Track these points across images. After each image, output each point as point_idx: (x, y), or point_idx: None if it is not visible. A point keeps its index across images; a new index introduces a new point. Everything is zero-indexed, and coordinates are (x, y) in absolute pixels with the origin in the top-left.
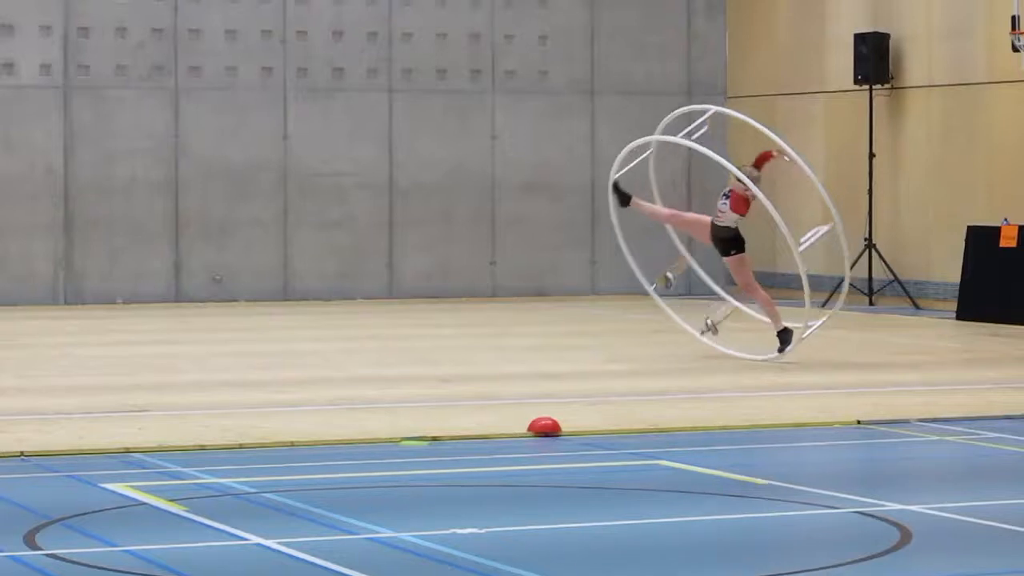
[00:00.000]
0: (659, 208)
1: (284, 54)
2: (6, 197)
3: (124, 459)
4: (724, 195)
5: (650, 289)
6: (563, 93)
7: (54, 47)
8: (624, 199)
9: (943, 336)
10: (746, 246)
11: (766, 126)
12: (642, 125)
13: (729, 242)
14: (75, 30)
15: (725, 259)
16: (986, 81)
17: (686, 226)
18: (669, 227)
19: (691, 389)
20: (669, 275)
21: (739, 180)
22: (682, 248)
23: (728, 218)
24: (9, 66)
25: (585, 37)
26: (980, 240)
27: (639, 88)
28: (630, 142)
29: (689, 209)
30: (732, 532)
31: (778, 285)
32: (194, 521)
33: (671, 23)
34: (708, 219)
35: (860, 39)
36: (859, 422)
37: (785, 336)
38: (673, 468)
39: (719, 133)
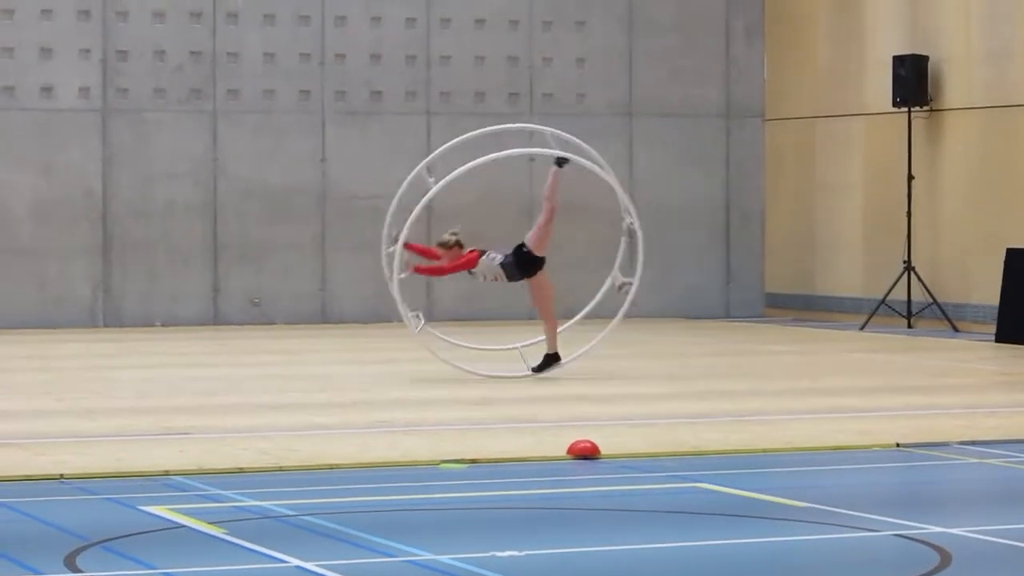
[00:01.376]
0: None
1: (322, 77)
2: (45, 220)
3: (163, 481)
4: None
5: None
6: (601, 116)
7: (93, 71)
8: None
9: (982, 359)
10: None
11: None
12: (680, 148)
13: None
14: (114, 53)
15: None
16: None
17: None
18: None
19: (731, 412)
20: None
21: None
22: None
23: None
24: (48, 90)
25: (623, 60)
26: (1019, 262)
27: (677, 111)
28: (669, 165)
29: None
30: (772, 555)
31: (815, 307)
32: (233, 544)
33: (709, 46)
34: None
35: (899, 61)
36: (898, 445)
37: (549, 360)
38: (713, 491)
39: (755, 154)
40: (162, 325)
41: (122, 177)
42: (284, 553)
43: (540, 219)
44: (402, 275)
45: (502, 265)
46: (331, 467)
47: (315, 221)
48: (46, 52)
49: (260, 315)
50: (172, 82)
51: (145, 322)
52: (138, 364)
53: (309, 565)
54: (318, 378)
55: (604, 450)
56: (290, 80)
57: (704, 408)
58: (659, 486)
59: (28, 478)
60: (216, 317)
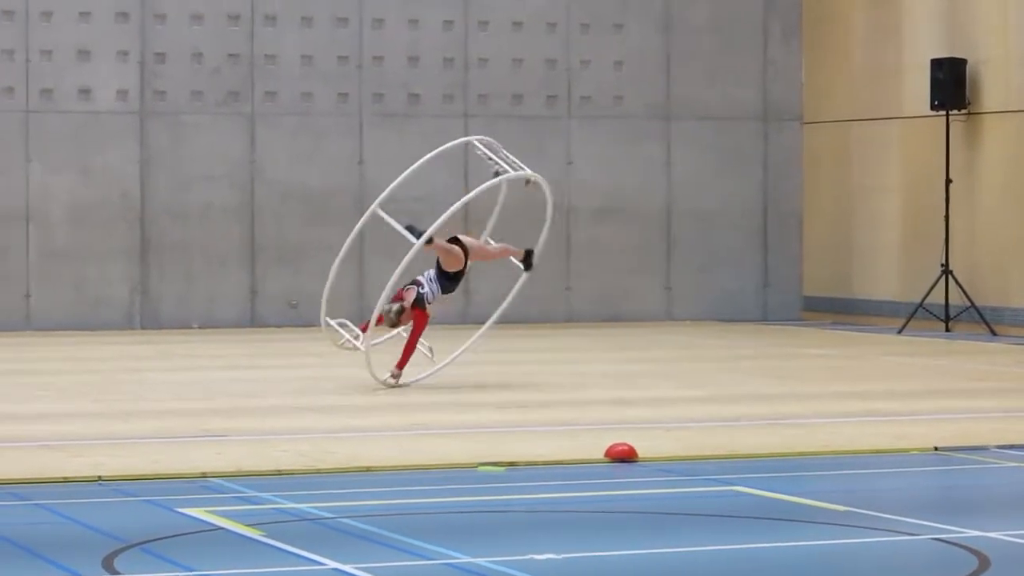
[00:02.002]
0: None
1: (360, 79)
2: (83, 222)
3: (201, 484)
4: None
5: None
6: (639, 118)
7: (131, 73)
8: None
9: (1020, 362)
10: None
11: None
12: (718, 151)
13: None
14: (151, 56)
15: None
16: None
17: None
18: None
19: (768, 415)
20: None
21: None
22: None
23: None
24: (86, 92)
25: (661, 62)
26: None
27: (715, 113)
28: (706, 168)
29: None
30: (810, 559)
31: (853, 311)
32: (271, 546)
33: (747, 48)
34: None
35: (937, 65)
36: (936, 449)
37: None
38: (750, 495)
39: (792, 156)
40: (199, 327)
41: (160, 179)
42: (322, 555)
43: (487, 247)
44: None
45: (434, 280)
46: (369, 469)
47: (352, 223)
48: (84, 54)
49: (297, 317)
50: (210, 84)
51: (182, 324)
52: (175, 366)
53: (347, 567)
54: (356, 380)
55: (642, 453)
56: (328, 82)
57: (741, 412)
58: (697, 489)
59: (66, 480)
60: (253, 319)
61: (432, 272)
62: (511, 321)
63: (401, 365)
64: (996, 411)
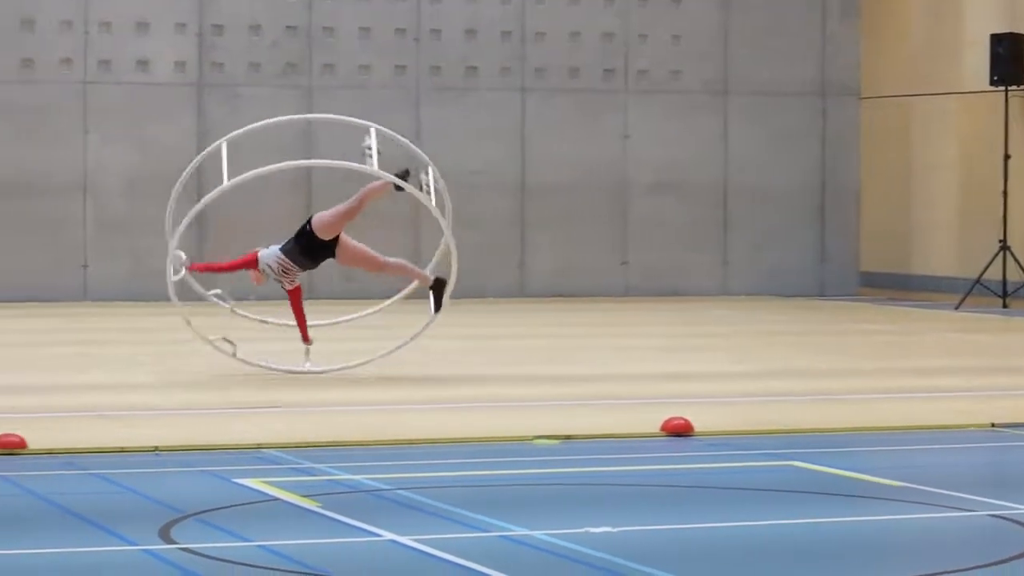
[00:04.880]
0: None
1: (417, 52)
2: (140, 194)
3: (257, 455)
4: None
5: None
6: (695, 93)
7: (188, 45)
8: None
9: None
10: None
11: None
12: (775, 126)
13: None
14: (209, 28)
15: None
16: None
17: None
18: None
19: (824, 391)
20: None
21: None
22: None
23: None
24: (144, 63)
25: (718, 37)
26: None
27: (772, 88)
28: (763, 144)
29: None
30: (865, 534)
31: (910, 287)
32: (327, 517)
33: (805, 23)
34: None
35: (996, 40)
36: (993, 425)
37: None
38: (806, 469)
39: (850, 132)
40: (256, 299)
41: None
42: (378, 527)
43: (343, 207)
44: (178, 276)
45: (283, 251)
46: (425, 442)
47: (409, 196)
48: (142, 26)
49: (355, 290)
50: (268, 56)
51: (240, 296)
52: (233, 338)
53: (403, 539)
54: (412, 353)
55: (698, 427)
56: (385, 55)
57: (798, 387)
58: (753, 464)
59: (123, 450)
60: (311, 291)
61: (286, 244)
62: (565, 295)
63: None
64: None
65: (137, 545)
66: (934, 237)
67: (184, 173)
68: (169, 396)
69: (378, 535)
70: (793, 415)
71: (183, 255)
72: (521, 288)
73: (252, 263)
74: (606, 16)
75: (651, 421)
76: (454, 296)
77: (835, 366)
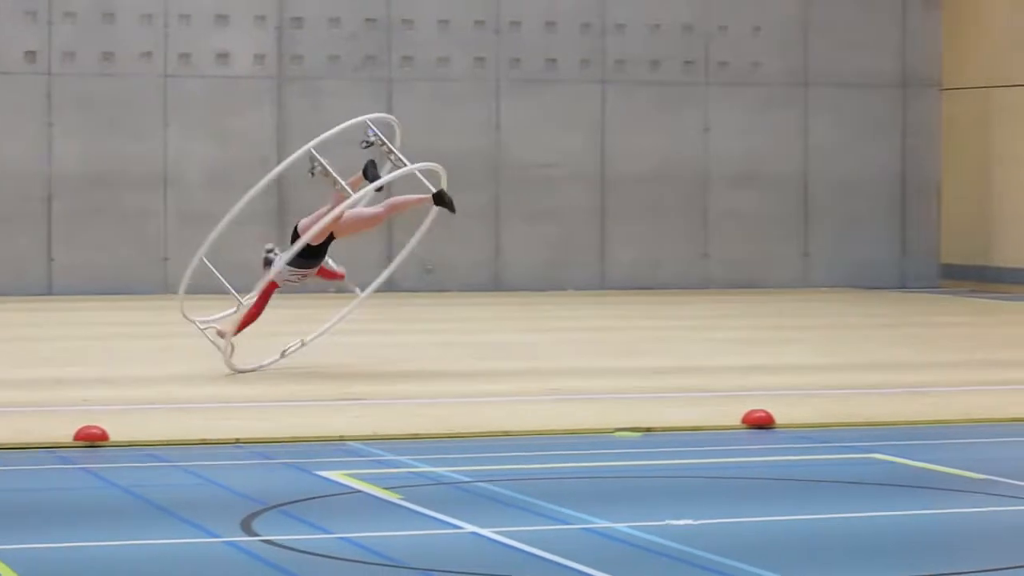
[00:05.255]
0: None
1: (497, 44)
2: (220, 187)
3: (339, 447)
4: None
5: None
6: (776, 85)
7: (268, 38)
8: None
9: None
10: None
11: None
12: (856, 118)
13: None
14: (288, 20)
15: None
16: None
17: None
18: None
19: (906, 384)
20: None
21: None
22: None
23: None
24: (224, 56)
25: (799, 28)
26: None
27: (853, 80)
28: (844, 135)
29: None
30: (948, 527)
31: (992, 279)
32: (409, 509)
33: (885, 15)
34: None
35: None
36: None
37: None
38: (888, 462)
39: (931, 124)
40: (335, 292)
41: (296, 144)
42: (459, 519)
43: (360, 216)
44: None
45: (292, 265)
46: (506, 434)
47: (489, 189)
48: (222, 19)
49: (433, 282)
50: (347, 49)
51: (319, 289)
52: (312, 331)
53: (485, 531)
54: (491, 346)
55: (779, 420)
56: (464, 47)
57: (879, 379)
58: (835, 456)
59: (205, 442)
60: (389, 284)
61: (282, 264)
62: (645, 287)
63: (237, 328)
64: None
65: (219, 537)
66: (1015, 229)
67: (263, 181)
68: (250, 389)
69: (459, 527)
70: (874, 408)
71: (217, 328)
72: (601, 281)
73: (271, 291)
74: (686, 8)
75: (732, 414)
76: (534, 288)
77: (916, 359)
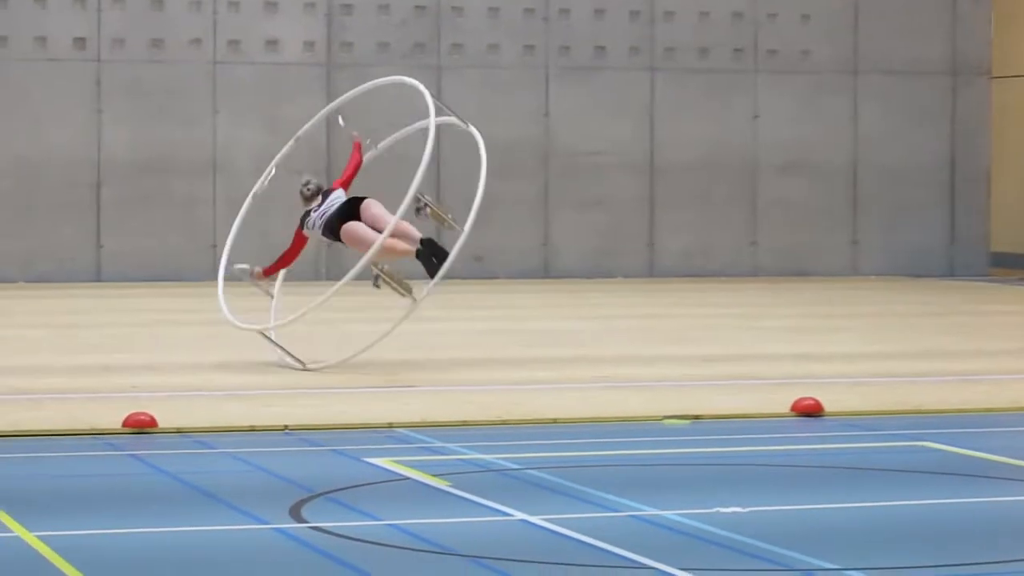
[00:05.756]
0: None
1: (546, 32)
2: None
3: (387, 434)
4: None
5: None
6: (825, 72)
7: (318, 25)
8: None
9: None
10: None
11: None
12: (906, 106)
13: None
14: (338, 7)
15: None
16: None
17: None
18: None
19: (955, 372)
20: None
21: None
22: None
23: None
24: (273, 43)
25: (848, 16)
26: None
27: (902, 68)
28: (894, 123)
29: None
30: (998, 515)
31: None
32: (458, 496)
33: (936, 2)
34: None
35: None
36: None
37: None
38: (938, 450)
39: (981, 112)
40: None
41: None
42: (508, 506)
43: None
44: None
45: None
46: (555, 422)
47: (538, 177)
48: (271, 6)
49: (483, 270)
50: (396, 36)
51: (366, 275)
52: (363, 317)
53: (534, 519)
54: (540, 333)
55: (827, 408)
56: (514, 35)
57: (928, 367)
58: (884, 444)
59: (253, 429)
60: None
61: (330, 212)
62: (694, 275)
63: (266, 272)
64: None
65: (268, 524)
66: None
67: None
68: (298, 376)
69: (509, 515)
70: (924, 395)
71: (248, 266)
72: (650, 268)
73: (299, 242)
74: None
75: (781, 401)
76: (583, 276)
77: (966, 346)
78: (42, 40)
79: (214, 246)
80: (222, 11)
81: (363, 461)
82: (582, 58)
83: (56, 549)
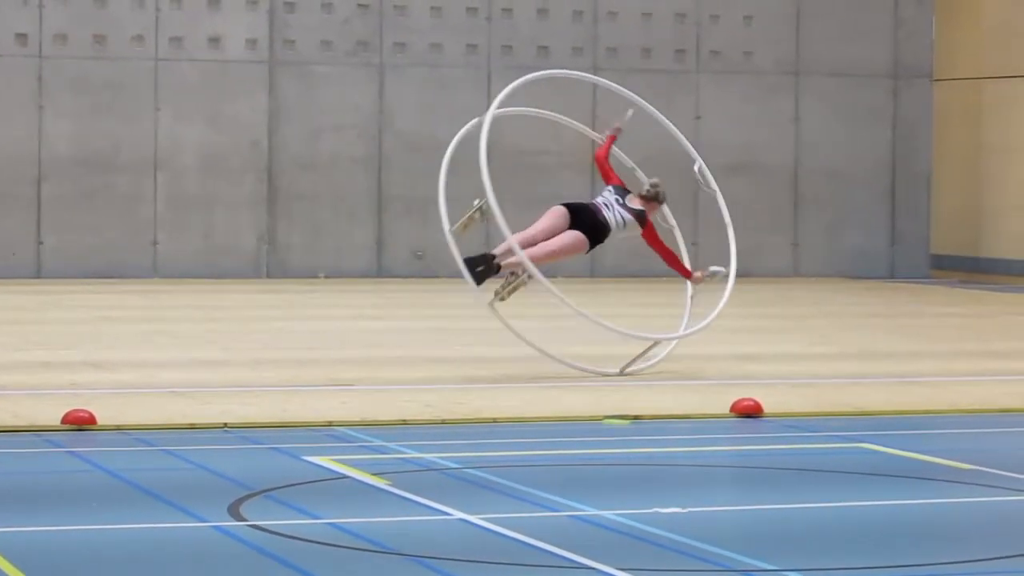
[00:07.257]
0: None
1: (489, 31)
2: (212, 171)
3: (327, 432)
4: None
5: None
6: (768, 74)
7: (260, 22)
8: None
9: None
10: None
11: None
12: (847, 108)
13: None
14: (281, 5)
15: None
16: None
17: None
18: None
19: (896, 373)
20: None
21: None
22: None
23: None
24: (216, 40)
25: (791, 18)
26: None
27: (844, 70)
28: (835, 125)
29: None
30: (935, 517)
31: (982, 270)
32: (397, 495)
33: (878, 5)
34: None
35: None
36: None
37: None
38: (876, 452)
39: (923, 114)
40: (325, 277)
41: (288, 129)
42: (448, 505)
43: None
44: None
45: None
46: (495, 421)
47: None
48: (214, 3)
49: (424, 268)
50: (339, 34)
51: (309, 274)
52: (302, 316)
53: (473, 518)
54: (481, 332)
55: (767, 409)
56: (457, 34)
57: (868, 369)
58: (823, 446)
59: (193, 427)
60: (380, 270)
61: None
62: (637, 275)
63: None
64: None
65: (207, 522)
66: (1005, 220)
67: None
68: (239, 373)
69: (448, 514)
70: (864, 397)
71: (723, 269)
72: (591, 270)
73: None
74: None
75: (721, 402)
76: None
77: (907, 348)
78: None
79: (155, 243)
80: (165, 8)
81: (303, 459)
82: (525, 57)
83: None
